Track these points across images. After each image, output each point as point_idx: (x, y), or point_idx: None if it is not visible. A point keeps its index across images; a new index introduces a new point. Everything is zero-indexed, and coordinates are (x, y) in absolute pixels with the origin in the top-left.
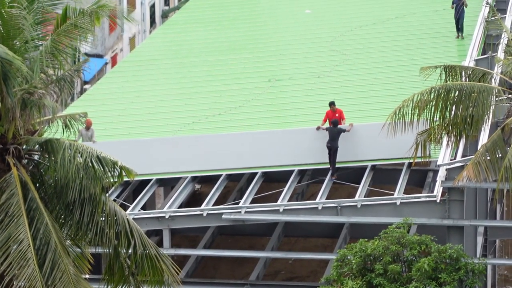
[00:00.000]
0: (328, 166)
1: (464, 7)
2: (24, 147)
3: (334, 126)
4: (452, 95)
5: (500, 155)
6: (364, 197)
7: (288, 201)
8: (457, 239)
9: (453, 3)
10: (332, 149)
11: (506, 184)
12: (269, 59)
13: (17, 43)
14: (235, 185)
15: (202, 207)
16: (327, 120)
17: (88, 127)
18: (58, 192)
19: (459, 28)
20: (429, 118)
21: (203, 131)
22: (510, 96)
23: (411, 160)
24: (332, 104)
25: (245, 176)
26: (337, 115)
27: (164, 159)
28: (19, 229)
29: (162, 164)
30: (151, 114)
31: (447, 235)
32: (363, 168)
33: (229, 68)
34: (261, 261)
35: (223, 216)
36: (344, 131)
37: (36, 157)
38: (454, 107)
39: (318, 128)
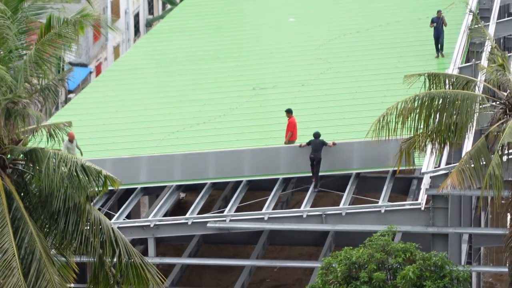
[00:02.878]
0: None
1: (444, 26)
2: (9, 156)
3: (316, 138)
4: (436, 102)
5: (484, 163)
6: (349, 205)
7: (272, 209)
8: (441, 247)
9: (432, 21)
10: (316, 160)
11: (490, 192)
12: (253, 67)
13: (1, 52)
14: (220, 193)
15: (187, 215)
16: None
17: (71, 140)
18: (43, 201)
19: (440, 47)
20: (413, 126)
21: (187, 139)
22: (493, 103)
23: (395, 168)
24: (286, 111)
25: (230, 185)
26: (287, 123)
27: (148, 172)
28: (3, 238)
29: (146, 176)
30: (136, 123)
31: (432, 243)
32: (348, 176)
33: (213, 77)
34: (246, 269)
35: (208, 225)
36: (326, 144)
37: (20, 166)
38: (438, 115)
39: (301, 146)
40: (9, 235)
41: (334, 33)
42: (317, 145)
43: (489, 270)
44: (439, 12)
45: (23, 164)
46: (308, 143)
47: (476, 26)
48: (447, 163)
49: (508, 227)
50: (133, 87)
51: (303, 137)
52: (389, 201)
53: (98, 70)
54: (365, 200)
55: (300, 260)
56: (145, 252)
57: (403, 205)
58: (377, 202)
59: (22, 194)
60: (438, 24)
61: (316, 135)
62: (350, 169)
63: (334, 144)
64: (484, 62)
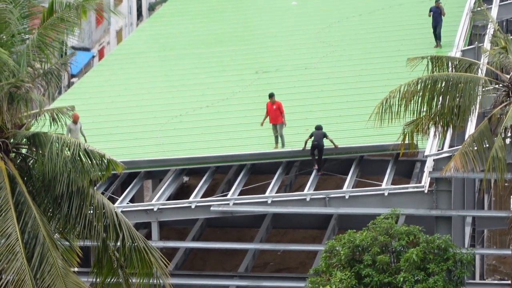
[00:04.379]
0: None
1: (442, 16)
2: (12, 141)
3: (318, 129)
4: (439, 85)
5: (487, 145)
6: (352, 188)
7: (276, 193)
8: (445, 230)
9: (430, 10)
10: (319, 148)
11: (493, 174)
12: (256, 51)
13: (4, 37)
14: (223, 177)
15: (191, 199)
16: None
17: (75, 121)
18: (46, 186)
19: (437, 36)
20: (416, 109)
21: (190, 123)
22: (496, 86)
23: (399, 151)
24: (270, 95)
25: (233, 168)
26: (274, 107)
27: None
28: (7, 223)
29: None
30: (139, 107)
31: (435, 226)
32: (351, 159)
33: (216, 61)
34: (250, 252)
35: (212, 208)
36: (327, 136)
37: (23, 150)
38: (441, 98)
39: (304, 149)
40: (13, 219)
41: (337, 16)
42: (319, 135)
43: (492, 253)
44: (437, 1)
45: (26, 148)
46: (310, 136)
47: (478, 8)
48: (450, 146)
49: (511, 209)
50: (136, 71)
51: (306, 120)
52: (392, 184)
53: (101, 54)
54: (369, 183)
55: (304, 243)
56: (148, 236)
57: (407, 188)
58: (381, 185)
59: (25, 178)
60: (436, 13)
61: (318, 127)
62: (353, 152)
63: (336, 147)
64: (487, 44)
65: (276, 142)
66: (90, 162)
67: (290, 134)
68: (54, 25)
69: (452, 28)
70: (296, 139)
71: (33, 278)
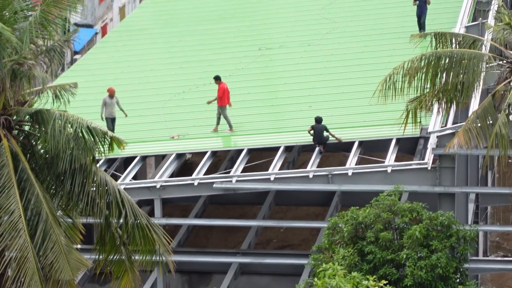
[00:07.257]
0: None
1: (427, 4)
2: (14, 118)
3: (318, 122)
4: (443, 62)
5: (490, 122)
6: (355, 165)
7: (279, 170)
8: (448, 206)
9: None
10: (321, 144)
11: (496, 151)
12: (259, 27)
13: (6, 13)
14: (226, 154)
15: (193, 176)
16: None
17: (111, 95)
18: (49, 163)
19: (421, 25)
20: (419, 86)
21: (193, 100)
22: (500, 62)
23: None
24: (214, 78)
25: None
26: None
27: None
28: (10, 200)
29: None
30: (142, 83)
31: (439, 202)
32: None
33: (219, 37)
34: (253, 229)
35: (214, 185)
36: (328, 130)
37: (26, 127)
38: (444, 74)
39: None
40: (16, 196)
41: None
42: (319, 131)
43: (496, 229)
44: None
45: (29, 125)
46: (312, 128)
47: None
48: (454, 123)
49: None
50: (139, 48)
51: (309, 97)
52: (395, 160)
53: (104, 31)
54: (372, 160)
55: (307, 220)
56: (151, 213)
57: (410, 164)
58: (384, 162)
59: (28, 155)
60: (421, 2)
61: (318, 120)
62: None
63: (339, 141)
64: (491, 21)
65: (217, 124)
66: (92, 139)
67: (292, 111)
68: (57, 2)
69: (456, 4)
70: (299, 116)
71: (36, 255)
